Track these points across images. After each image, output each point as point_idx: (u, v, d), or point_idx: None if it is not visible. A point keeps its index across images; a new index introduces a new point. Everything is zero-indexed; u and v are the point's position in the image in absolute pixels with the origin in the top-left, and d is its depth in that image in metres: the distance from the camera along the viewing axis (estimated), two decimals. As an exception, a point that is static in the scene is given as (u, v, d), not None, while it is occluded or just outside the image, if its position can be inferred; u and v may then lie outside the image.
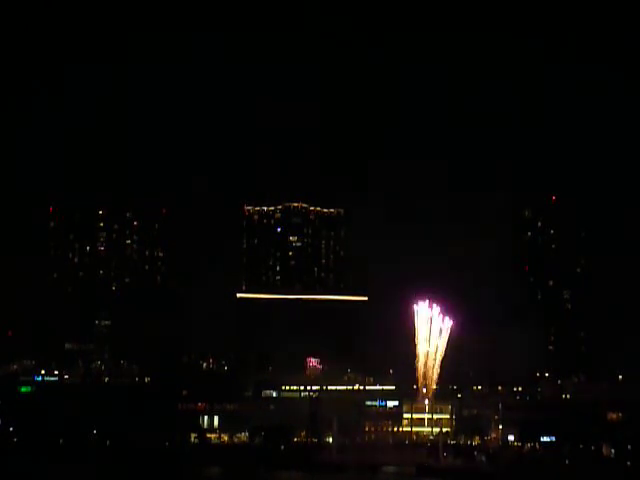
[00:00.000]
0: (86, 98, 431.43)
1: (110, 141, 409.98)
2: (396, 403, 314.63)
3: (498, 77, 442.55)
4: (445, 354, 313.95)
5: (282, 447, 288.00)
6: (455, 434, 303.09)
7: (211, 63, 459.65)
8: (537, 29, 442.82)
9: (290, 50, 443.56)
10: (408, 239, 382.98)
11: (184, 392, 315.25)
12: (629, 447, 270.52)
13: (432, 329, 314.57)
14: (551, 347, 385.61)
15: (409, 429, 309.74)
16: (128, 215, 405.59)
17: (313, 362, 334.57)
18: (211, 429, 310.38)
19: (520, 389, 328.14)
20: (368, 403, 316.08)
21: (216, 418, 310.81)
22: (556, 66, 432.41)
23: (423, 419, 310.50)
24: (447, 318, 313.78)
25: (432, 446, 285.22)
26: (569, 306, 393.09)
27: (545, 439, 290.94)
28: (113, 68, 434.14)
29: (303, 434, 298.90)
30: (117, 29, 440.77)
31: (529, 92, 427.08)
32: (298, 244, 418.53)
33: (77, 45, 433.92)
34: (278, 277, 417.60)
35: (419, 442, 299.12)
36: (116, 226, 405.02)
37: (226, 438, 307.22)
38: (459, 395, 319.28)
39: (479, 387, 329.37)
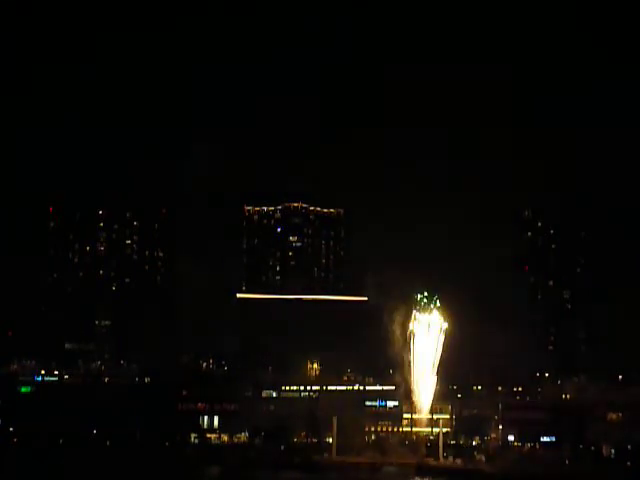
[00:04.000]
0: (85, 97, 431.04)
1: (110, 140, 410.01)
2: (396, 403, 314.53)
3: (497, 78, 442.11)
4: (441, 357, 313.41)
5: (282, 447, 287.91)
6: (455, 434, 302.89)
7: (211, 61, 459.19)
8: (536, 26, 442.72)
9: (290, 49, 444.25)
10: (408, 239, 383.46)
11: (184, 392, 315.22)
12: (629, 447, 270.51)
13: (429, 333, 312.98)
14: (551, 347, 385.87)
15: (409, 429, 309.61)
16: (128, 215, 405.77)
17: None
18: (211, 429, 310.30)
19: (520, 389, 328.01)
20: (368, 403, 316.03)
21: (216, 418, 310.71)
22: (555, 65, 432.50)
23: (423, 419, 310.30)
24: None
25: (432, 446, 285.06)
26: (569, 306, 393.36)
27: (545, 439, 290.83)
28: (113, 66, 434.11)
29: (303, 434, 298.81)
30: (121, 30, 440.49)
31: (529, 91, 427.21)
32: (298, 244, 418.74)
33: (77, 43, 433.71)
34: (278, 277, 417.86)
35: (419, 442, 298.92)
36: (116, 226, 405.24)
37: (226, 438, 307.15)
38: (459, 395, 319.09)
39: (479, 387, 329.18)
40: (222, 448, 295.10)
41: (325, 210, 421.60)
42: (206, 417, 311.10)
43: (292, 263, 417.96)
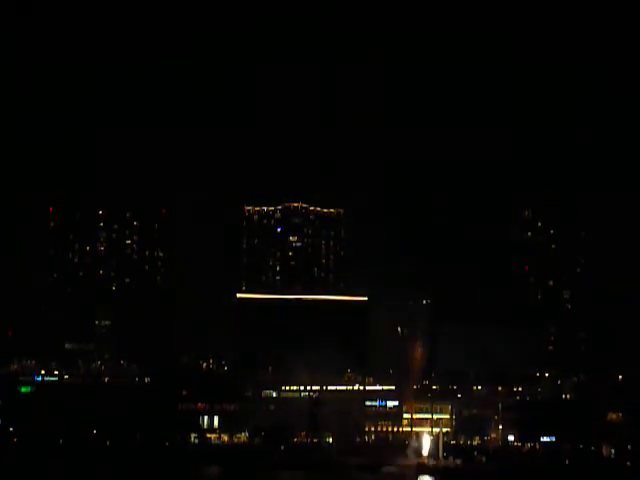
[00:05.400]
0: (85, 97, 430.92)
1: (110, 141, 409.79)
2: (396, 403, 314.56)
3: (497, 77, 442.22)
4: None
5: (282, 447, 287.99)
6: (455, 434, 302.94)
7: (210, 61, 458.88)
8: (537, 28, 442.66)
9: (290, 49, 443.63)
10: (408, 239, 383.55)
11: (184, 392, 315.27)
12: (629, 447, 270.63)
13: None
14: (551, 347, 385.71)
15: (409, 429, 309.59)
16: (128, 215, 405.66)
17: None
18: (211, 429, 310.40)
19: (520, 389, 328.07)
20: (368, 403, 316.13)
21: (216, 418, 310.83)
22: (555, 65, 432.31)
23: (423, 419, 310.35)
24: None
25: (432, 446, 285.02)
26: (569, 306, 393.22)
27: (545, 439, 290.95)
28: (113, 66, 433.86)
29: (303, 434, 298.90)
30: (123, 30, 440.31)
31: (529, 91, 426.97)
32: (298, 244, 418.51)
33: (74, 44, 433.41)
34: (278, 277, 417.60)
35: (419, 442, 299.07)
36: (116, 226, 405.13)
37: (226, 438, 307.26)
38: (459, 395, 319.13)
39: (479, 387, 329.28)
40: (222, 448, 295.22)
41: (325, 210, 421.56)
42: (206, 417, 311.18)
43: (292, 263, 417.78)
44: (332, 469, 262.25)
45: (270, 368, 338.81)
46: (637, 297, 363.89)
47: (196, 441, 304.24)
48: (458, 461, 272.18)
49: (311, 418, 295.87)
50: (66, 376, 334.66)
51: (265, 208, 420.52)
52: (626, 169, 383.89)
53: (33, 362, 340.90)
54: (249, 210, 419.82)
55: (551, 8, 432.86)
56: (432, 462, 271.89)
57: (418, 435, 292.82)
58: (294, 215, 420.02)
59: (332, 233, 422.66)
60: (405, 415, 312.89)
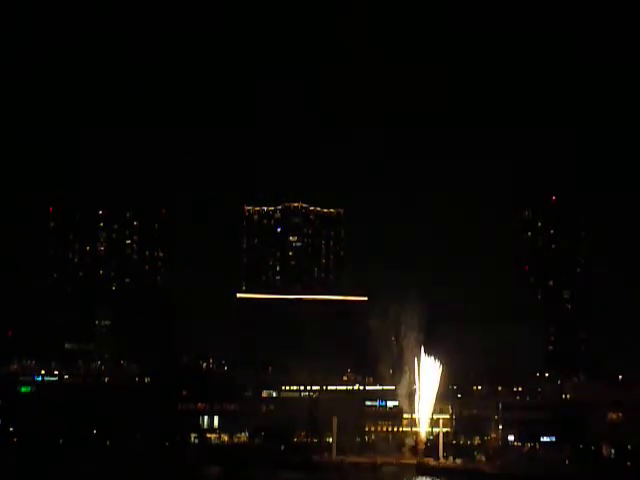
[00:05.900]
0: (85, 97, 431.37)
1: (109, 141, 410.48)
2: (396, 403, 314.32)
3: (497, 77, 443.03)
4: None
5: (282, 447, 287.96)
6: (455, 434, 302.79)
7: (211, 62, 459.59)
8: (538, 26, 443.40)
9: (290, 49, 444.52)
10: (408, 239, 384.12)
11: (184, 392, 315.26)
12: (629, 447, 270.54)
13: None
14: (551, 347, 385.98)
15: (409, 429, 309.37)
16: (128, 215, 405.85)
17: None
18: (211, 429, 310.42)
19: (520, 389, 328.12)
20: (368, 403, 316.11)
21: (216, 418, 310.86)
22: (555, 65, 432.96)
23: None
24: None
25: (432, 446, 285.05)
26: (569, 306, 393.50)
27: (545, 439, 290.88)
28: (113, 67, 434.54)
29: (303, 434, 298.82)
30: (123, 30, 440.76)
31: (528, 91, 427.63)
32: (298, 244, 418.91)
33: (71, 44, 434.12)
34: (278, 277, 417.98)
35: (419, 442, 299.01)
36: (116, 226, 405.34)
37: (226, 438, 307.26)
38: (459, 395, 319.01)
39: (479, 387, 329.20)
40: (222, 448, 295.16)
41: (325, 210, 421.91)
42: (206, 417, 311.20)
43: (292, 263, 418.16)
44: (332, 469, 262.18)
45: (270, 368, 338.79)
46: (637, 297, 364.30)
47: (196, 441, 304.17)
48: (458, 461, 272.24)
49: (311, 418, 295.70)
50: (66, 376, 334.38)
51: (265, 208, 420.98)
52: (626, 169, 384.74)
53: (33, 362, 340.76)
54: (249, 210, 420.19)
55: (549, 8, 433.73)
56: (432, 462, 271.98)
57: (417, 435, 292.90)
58: (294, 215, 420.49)
59: (332, 233, 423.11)
60: (405, 415, 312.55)
